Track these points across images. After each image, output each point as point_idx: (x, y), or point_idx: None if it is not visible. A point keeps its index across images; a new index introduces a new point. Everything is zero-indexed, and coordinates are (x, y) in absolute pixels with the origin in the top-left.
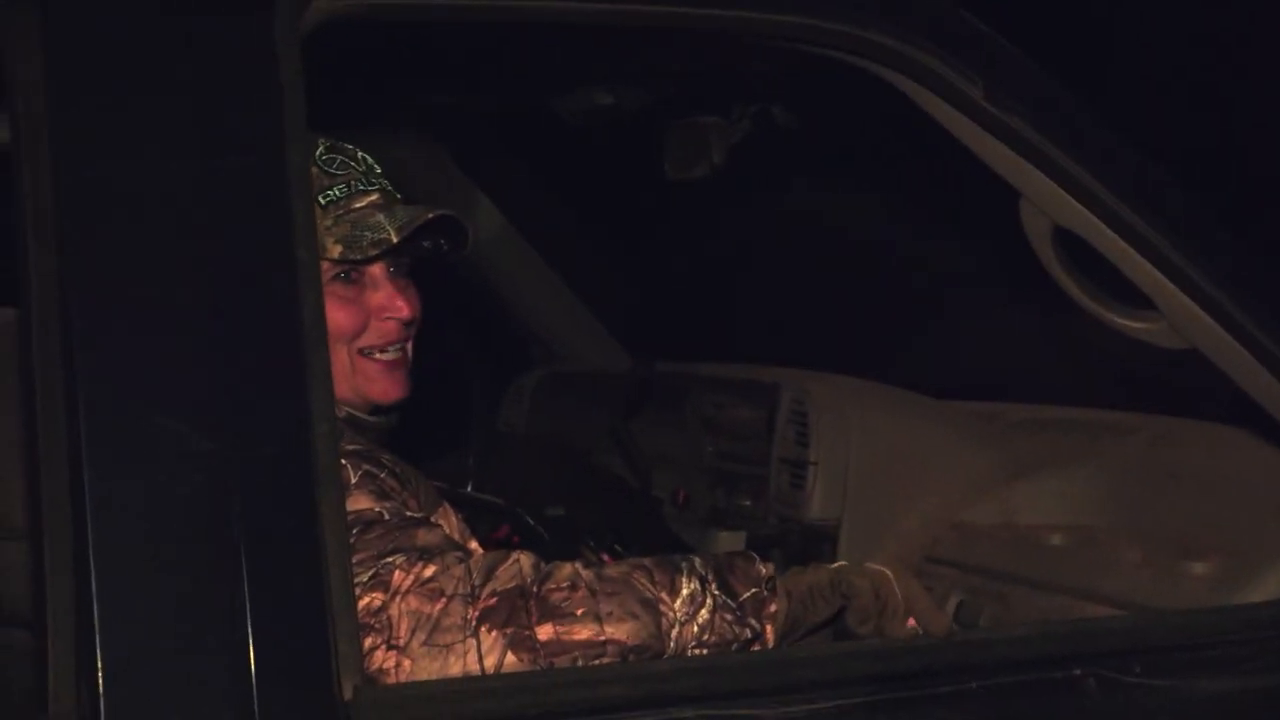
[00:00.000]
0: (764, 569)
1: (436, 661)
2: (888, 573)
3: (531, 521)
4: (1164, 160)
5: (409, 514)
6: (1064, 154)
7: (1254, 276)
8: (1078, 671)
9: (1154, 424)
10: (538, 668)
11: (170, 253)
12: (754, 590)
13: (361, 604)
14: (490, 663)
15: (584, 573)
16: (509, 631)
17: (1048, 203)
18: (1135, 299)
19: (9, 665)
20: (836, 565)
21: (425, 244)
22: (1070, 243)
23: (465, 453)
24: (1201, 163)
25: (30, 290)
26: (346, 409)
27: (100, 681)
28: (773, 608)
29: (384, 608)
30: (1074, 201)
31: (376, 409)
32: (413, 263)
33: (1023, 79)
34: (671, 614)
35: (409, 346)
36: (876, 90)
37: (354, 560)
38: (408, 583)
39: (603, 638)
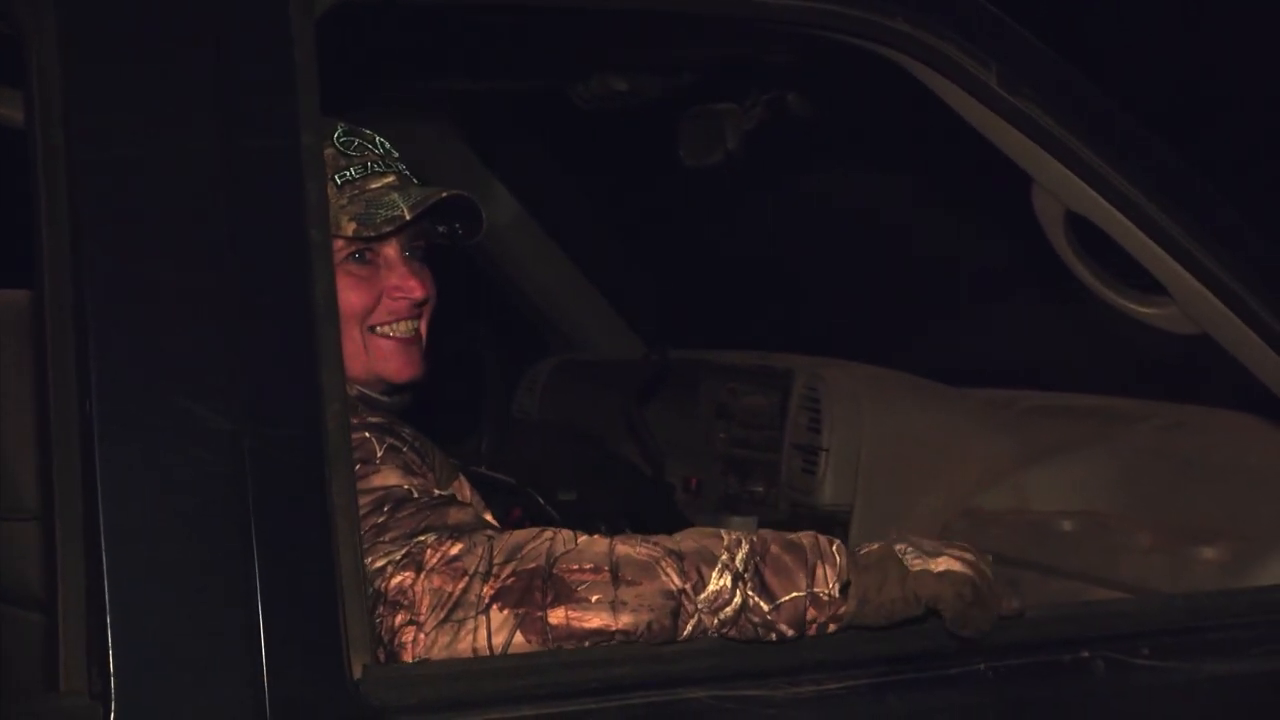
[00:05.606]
0: (837, 566)
1: (446, 636)
2: (976, 578)
3: (544, 504)
4: (1176, 144)
5: (438, 492)
6: (1076, 139)
7: (1266, 262)
8: (1086, 654)
9: (1166, 410)
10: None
11: (183, 234)
12: (795, 595)
13: (394, 582)
14: (499, 641)
15: (618, 552)
16: (520, 612)
17: (1060, 188)
18: (1147, 284)
19: (21, 645)
20: (919, 578)
21: (440, 228)
22: (1082, 228)
23: (479, 438)
24: (1214, 147)
25: (44, 272)
26: (359, 388)
27: (111, 661)
28: (840, 610)
29: (412, 585)
30: (1086, 186)
31: (390, 388)
32: (428, 248)
33: (1036, 64)
34: (692, 605)
35: (422, 327)
36: (890, 76)
37: (386, 538)
38: (434, 561)
39: (614, 628)
